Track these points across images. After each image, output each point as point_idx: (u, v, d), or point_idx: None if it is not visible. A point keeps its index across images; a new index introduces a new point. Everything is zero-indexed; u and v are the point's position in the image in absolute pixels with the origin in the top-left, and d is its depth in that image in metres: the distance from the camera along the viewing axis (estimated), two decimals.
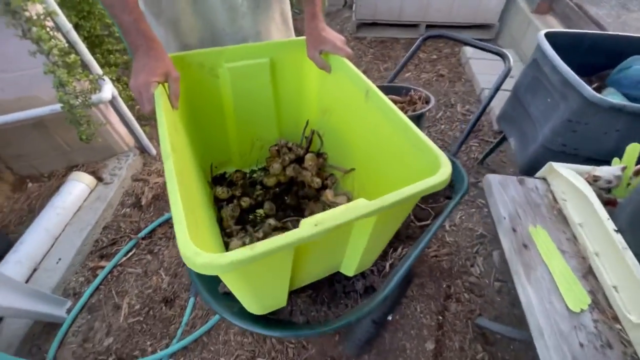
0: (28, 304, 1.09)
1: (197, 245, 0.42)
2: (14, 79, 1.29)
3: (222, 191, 0.92)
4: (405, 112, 0.96)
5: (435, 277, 1.42)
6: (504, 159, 1.92)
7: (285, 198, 0.99)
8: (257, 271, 0.51)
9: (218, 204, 0.94)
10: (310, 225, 0.46)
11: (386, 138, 0.73)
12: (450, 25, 2.92)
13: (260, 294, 0.62)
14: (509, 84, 1.40)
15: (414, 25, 2.95)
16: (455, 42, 2.96)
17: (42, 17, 1.09)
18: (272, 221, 0.85)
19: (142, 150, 1.81)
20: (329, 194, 0.94)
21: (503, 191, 0.94)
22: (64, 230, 1.43)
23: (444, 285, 1.41)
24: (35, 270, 1.31)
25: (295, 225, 0.85)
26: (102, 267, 1.38)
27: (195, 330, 1.21)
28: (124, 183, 1.65)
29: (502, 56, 1.27)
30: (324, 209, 0.88)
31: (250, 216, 0.95)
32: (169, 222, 1.56)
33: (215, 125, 0.95)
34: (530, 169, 1.26)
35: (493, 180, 0.98)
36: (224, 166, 1.08)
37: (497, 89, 1.24)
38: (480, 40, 1.45)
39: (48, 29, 1.12)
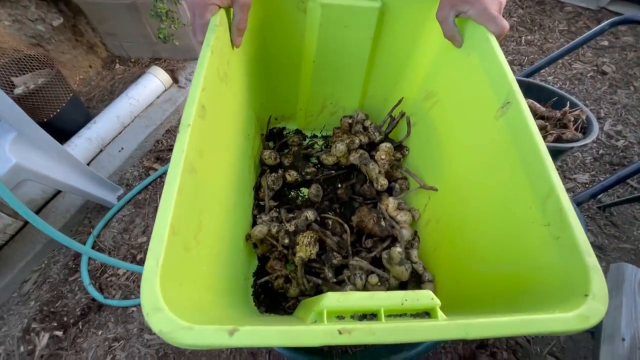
0: (86, 185, 1.17)
1: (182, 276, 0.29)
2: None
3: (269, 156, 0.77)
4: (545, 137, 0.65)
5: None
6: (639, 215, 1.43)
7: (339, 186, 0.81)
8: None
9: (262, 167, 0.80)
10: (328, 328, 0.28)
11: (503, 185, 0.47)
12: None
13: None
14: None
15: None
16: None
17: None
18: (310, 214, 0.69)
19: None
20: (390, 204, 0.74)
21: (639, 296, 0.64)
22: (132, 121, 1.47)
23: None
24: (101, 151, 1.39)
25: (335, 230, 0.70)
26: (155, 169, 1.42)
27: None
28: None
29: None
30: (377, 222, 0.69)
31: (292, 193, 0.80)
32: None
33: (286, 73, 0.76)
34: None
35: (629, 272, 0.68)
36: (285, 120, 0.91)
37: None
38: None
39: None
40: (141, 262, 1.23)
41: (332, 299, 0.32)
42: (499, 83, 0.49)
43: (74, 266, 1.21)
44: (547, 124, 0.65)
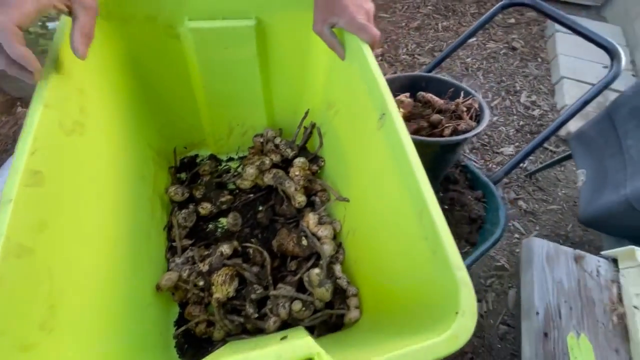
0: None
1: None
2: None
3: (175, 192, 0.71)
4: (442, 130, 0.66)
5: None
6: (561, 177, 1.55)
7: (260, 209, 0.78)
8: None
9: (173, 204, 0.75)
10: None
11: (390, 195, 0.47)
12: None
13: None
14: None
15: None
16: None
17: None
18: (226, 249, 0.65)
19: None
20: (311, 219, 0.71)
21: (548, 268, 0.68)
22: None
23: None
24: None
25: (256, 260, 0.66)
26: None
27: None
28: None
29: (611, 53, 0.87)
30: (297, 243, 0.67)
31: (210, 225, 0.75)
32: None
33: (180, 102, 0.71)
34: (594, 224, 0.94)
35: (537, 247, 0.71)
36: (196, 147, 0.86)
37: (587, 102, 0.87)
38: (580, 6, 1.01)
39: None
40: None
41: None
42: (375, 93, 0.48)
43: None
44: (442, 117, 0.66)
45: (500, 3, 1.03)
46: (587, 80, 1.75)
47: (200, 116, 0.76)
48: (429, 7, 2.21)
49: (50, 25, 1.02)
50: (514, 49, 2.00)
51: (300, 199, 0.72)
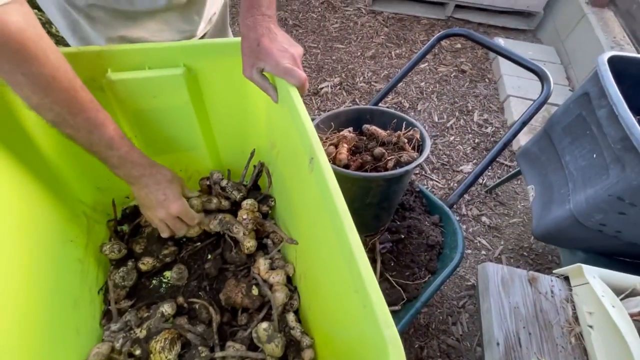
0: None
1: None
2: None
3: (110, 249, 0.66)
4: (385, 163, 0.66)
5: (408, 335, 1.19)
6: (519, 190, 1.61)
7: (209, 257, 0.73)
8: None
9: (112, 262, 0.69)
10: None
11: (325, 240, 0.45)
12: (483, 8, 2.45)
13: None
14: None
15: (440, 4, 2.48)
16: (486, 30, 2.51)
17: None
18: (168, 308, 0.60)
19: None
20: (262, 265, 0.68)
21: (504, 294, 0.67)
22: None
23: (416, 346, 1.18)
24: None
25: (202, 317, 0.61)
26: None
27: None
28: None
29: (541, 77, 0.94)
30: (246, 294, 0.63)
31: (154, 281, 0.70)
32: None
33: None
34: (547, 238, 0.97)
35: (491, 273, 0.71)
36: None
37: (525, 123, 0.92)
38: (519, 31, 1.09)
39: None
40: None
41: None
42: (304, 138, 0.47)
43: None
44: (384, 151, 0.67)
45: (437, 35, 1.10)
46: (531, 97, 1.88)
47: None
48: (382, 37, 2.33)
49: None
50: (463, 71, 2.13)
51: (249, 244, 0.69)
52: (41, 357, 0.46)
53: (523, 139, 1.69)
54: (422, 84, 2.05)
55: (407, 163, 0.66)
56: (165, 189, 0.60)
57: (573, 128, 0.89)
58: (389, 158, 0.67)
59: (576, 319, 0.64)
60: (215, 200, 0.72)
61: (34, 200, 0.52)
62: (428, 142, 0.70)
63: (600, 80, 0.76)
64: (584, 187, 0.80)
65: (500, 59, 2.07)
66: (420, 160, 0.65)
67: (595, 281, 0.61)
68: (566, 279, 0.70)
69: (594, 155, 0.80)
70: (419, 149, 0.71)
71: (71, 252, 0.59)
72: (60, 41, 0.71)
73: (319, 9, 2.57)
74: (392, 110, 0.80)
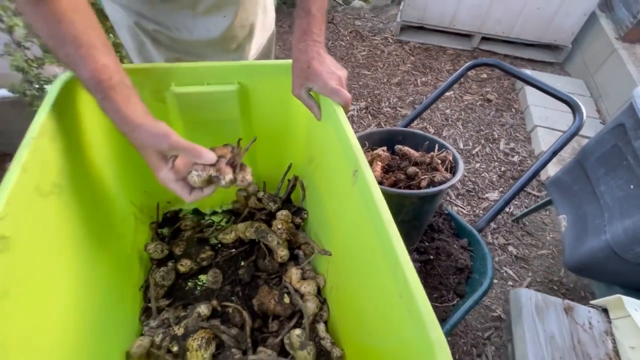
0: None
1: None
2: None
3: (154, 249, 0.70)
4: (419, 182, 0.68)
5: None
6: (547, 221, 1.57)
7: (242, 264, 0.76)
8: None
9: (152, 262, 0.73)
10: None
11: (367, 250, 0.47)
12: (510, 41, 2.50)
13: None
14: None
15: (466, 35, 2.55)
16: (512, 61, 2.54)
17: None
18: (204, 309, 0.63)
19: None
20: (294, 274, 0.70)
21: (538, 321, 0.65)
22: None
23: None
24: None
25: (235, 320, 0.62)
26: None
27: None
28: None
29: (573, 108, 0.94)
30: (279, 302, 0.64)
31: (189, 283, 0.73)
32: None
33: None
34: (581, 270, 0.94)
35: (525, 299, 0.70)
36: (180, 202, 0.86)
37: (556, 152, 0.92)
38: (545, 63, 1.11)
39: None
40: None
41: None
42: (348, 152, 0.50)
43: None
44: (418, 170, 0.69)
45: (467, 64, 1.14)
46: (559, 128, 1.87)
47: None
48: (408, 65, 2.41)
49: (47, 87, 1.07)
50: (488, 100, 2.15)
51: (282, 252, 0.71)
52: (94, 344, 0.49)
53: (551, 168, 1.66)
54: (448, 111, 2.08)
55: (441, 183, 0.68)
56: (144, 156, 0.51)
57: (608, 158, 0.88)
58: (422, 177, 0.69)
59: (617, 353, 0.61)
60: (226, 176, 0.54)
61: (96, 197, 0.57)
62: (461, 164, 0.72)
63: (637, 112, 0.77)
64: (622, 217, 0.79)
65: (527, 90, 2.08)
66: (455, 180, 0.67)
67: (638, 314, 0.59)
68: (604, 310, 0.67)
69: (631, 186, 0.79)
70: (452, 170, 0.73)
71: (122, 248, 0.63)
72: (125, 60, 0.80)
73: (348, 38, 2.69)
74: (424, 133, 0.83)
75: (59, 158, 0.48)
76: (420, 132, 0.83)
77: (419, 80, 2.29)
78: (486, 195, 1.65)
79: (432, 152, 0.74)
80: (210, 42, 0.75)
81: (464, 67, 1.13)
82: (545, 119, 1.90)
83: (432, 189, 0.64)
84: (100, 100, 0.47)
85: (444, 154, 0.74)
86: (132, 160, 0.66)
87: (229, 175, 0.51)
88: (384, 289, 0.42)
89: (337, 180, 0.58)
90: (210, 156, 0.50)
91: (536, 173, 0.95)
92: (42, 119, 0.46)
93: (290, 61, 0.64)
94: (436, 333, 0.32)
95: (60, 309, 0.44)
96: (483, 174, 1.73)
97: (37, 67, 1.03)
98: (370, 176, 0.46)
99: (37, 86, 1.02)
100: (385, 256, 0.41)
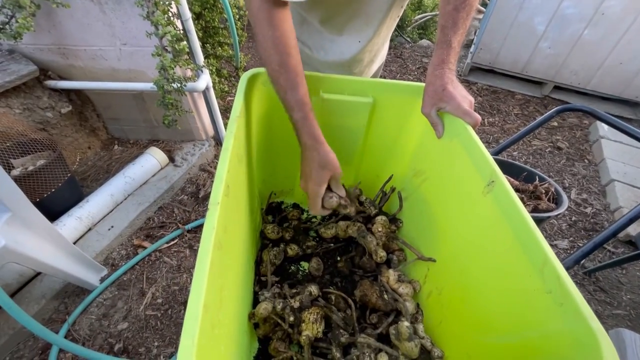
0: (69, 266, 1.11)
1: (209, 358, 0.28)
2: (130, 52, 1.37)
3: (272, 230, 0.79)
4: None
5: None
6: (624, 280, 1.47)
7: (338, 259, 0.82)
8: None
9: (263, 241, 0.82)
10: None
11: (500, 255, 0.52)
12: (584, 92, 2.46)
13: None
14: None
15: (537, 82, 2.56)
16: (585, 114, 2.49)
17: (167, 2, 1.12)
18: (314, 289, 0.69)
19: (218, 142, 1.83)
20: (391, 276, 0.75)
21: None
22: (125, 199, 1.48)
23: None
24: (89, 230, 1.36)
25: (339, 306, 0.69)
26: (144, 248, 1.39)
27: None
28: (191, 170, 1.67)
29: None
30: (380, 296, 0.69)
31: (293, 267, 0.80)
32: None
33: (286, 154, 0.83)
34: None
35: (629, 340, 0.68)
36: (284, 195, 0.96)
37: None
38: (621, 118, 1.10)
39: (169, 15, 1.15)
40: (119, 353, 1.11)
41: None
42: (482, 165, 0.57)
43: None
44: (522, 196, 0.73)
45: (557, 108, 1.17)
46: (638, 185, 1.78)
47: (297, 168, 0.88)
48: (475, 105, 2.45)
49: (175, 85, 1.26)
50: (559, 148, 2.11)
51: (381, 253, 0.77)
52: (241, 296, 0.58)
53: (631, 227, 1.58)
54: (515, 153, 2.07)
55: (546, 211, 0.71)
56: (313, 169, 0.66)
57: None
58: (527, 203, 0.73)
59: None
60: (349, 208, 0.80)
61: (250, 172, 0.69)
62: (565, 197, 0.74)
63: None
64: None
65: (604, 142, 2.03)
66: (561, 210, 0.70)
67: None
68: None
69: None
70: (554, 201, 0.76)
71: (252, 223, 0.73)
72: None
73: (416, 73, 2.81)
74: (522, 164, 0.87)
75: (242, 137, 0.60)
76: (518, 163, 0.87)
77: (486, 120, 2.32)
78: (555, 242, 1.59)
79: (535, 182, 0.78)
80: (339, 64, 0.88)
81: (552, 110, 1.16)
82: (624, 175, 1.82)
83: (541, 214, 0.68)
84: (300, 117, 0.63)
85: (546, 185, 0.77)
86: (265, 152, 0.78)
87: (352, 209, 0.73)
88: (523, 288, 0.46)
89: (458, 191, 0.64)
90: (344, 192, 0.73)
91: (624, 226, 0.93)
92: (240, 103, 0.58)
93: (418, 84, 0.73)
94: (596, 323, 0.36)
95: (239, 252, 0.54)
96: (552, 221, 1.68)
97: (172, 68, 1.23)
98: (507, 184, 0.52)
99: (172, 83, 1.22)
100: (527, 256, 0.45)
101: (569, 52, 2.27)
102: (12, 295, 1.14)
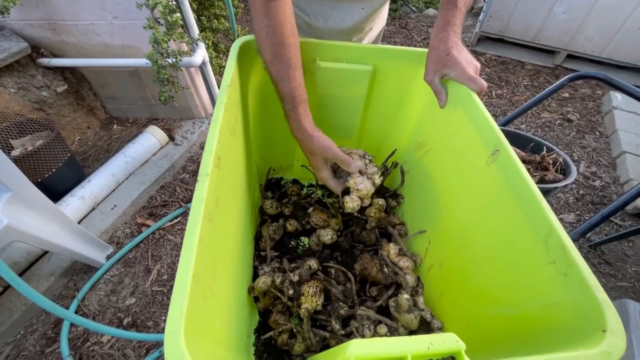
0: (75, 245, 1.13)
1: (200, 329, 0.28)
2: (123, 26, 1.32)
3: (270, 205, 0.78)
4: None
5: None
6: (630, 252, 1.46)
7: (339, 234, 0.81)
8: None
9: (262, 216, 0.81)
10: None
11: (501, 225, 0.50)
12: (598, 61, 2.35)
13: None
14: None
15: (549, 51, 2.44)
16: (599, 83, 2.39)
17: None
18: (314, 263, 0.69)
19: None
20: (392, 250, 0.74)
21: None
22: (127, 178, 1.48)
23: None
24: (93, 209, 1.37)
25: (339, 279, 0.69)
26: (148, 226, 1.40)
27: None
28: (191, 148, 1.65)
29: None
30: (380, 270, 0.69)
31: (292, 242, 0.80)
32: None
33: (285, 128, 0.80)
34: None
35: (632, 310, 0.68)
36: (282, 171, 0.94)
37: None
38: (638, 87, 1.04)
39: None
40: (128, 327, 1.14)
41: (358, 346, 0.31)
42: (487, 133, 0.54)
43: (52, 335, 1.11)
44: (529, 167, 0.70)
45: (568, 75, 1.11)
46: None
47: (295, 144, 0.86)
48: (483, 77, 2.35)
49: (169, 60, 1.22)
50: (569, 120, 2.04)
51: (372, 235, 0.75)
52: (240, 269, 0.57)
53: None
54: (523, 126, 2.01)
55: (553, 182, 0.68)
56: (307, 157, 0.69)
57: None
58: (534, 174, 0.70)
59: None
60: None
61: (247, 146, 0.67)
62: (574, 168, 0.71)
63: None
64: None
65: (616, 113, 1.95)
66: (569, 181, 0.67)
67: None
68: None
69: None
70: (562, 172, 0.73)
71: (250, 198, 0.72)
72: None
73: (421, 44, 2.70)
74: (529, 134, 0.83)
75: (234, 108, 0.57)
76: (525, 133, 0.83)
77: (493, 92, 2.24)
78: (561, 216, 1.57)
79: (542, 152, 0.75)
80: (339, 31, 0.83)
81: (566, 77, 1.11)
82: (636, 147, 1.77)
83: (547, 185, 0.65)
84: (289, 109, 0.62)
85: (554, 155, 0.74)
86: (263, 128, 0.75)
87: (369, 190, 0.71)
88: (526, 259, 0.44)
89: (461, 162, 0.61)
90: (357, 166, 0.68)
91: (635, 196, 0.90)
92: (231, 71, 0.55)
93: (421, 50, 0.69)
94: (602, 294, 0.35)
95: (231, 231, 0.53)
96: (559, 194, 1.65)
97: (166, 42, 1.18)
98: (512, 152, 0.49)
99: (166, 57, 1.17)
100: (532, 227, 0.44)
101: (584, 17, 2.14)
102: (22, 273, 1.16)
